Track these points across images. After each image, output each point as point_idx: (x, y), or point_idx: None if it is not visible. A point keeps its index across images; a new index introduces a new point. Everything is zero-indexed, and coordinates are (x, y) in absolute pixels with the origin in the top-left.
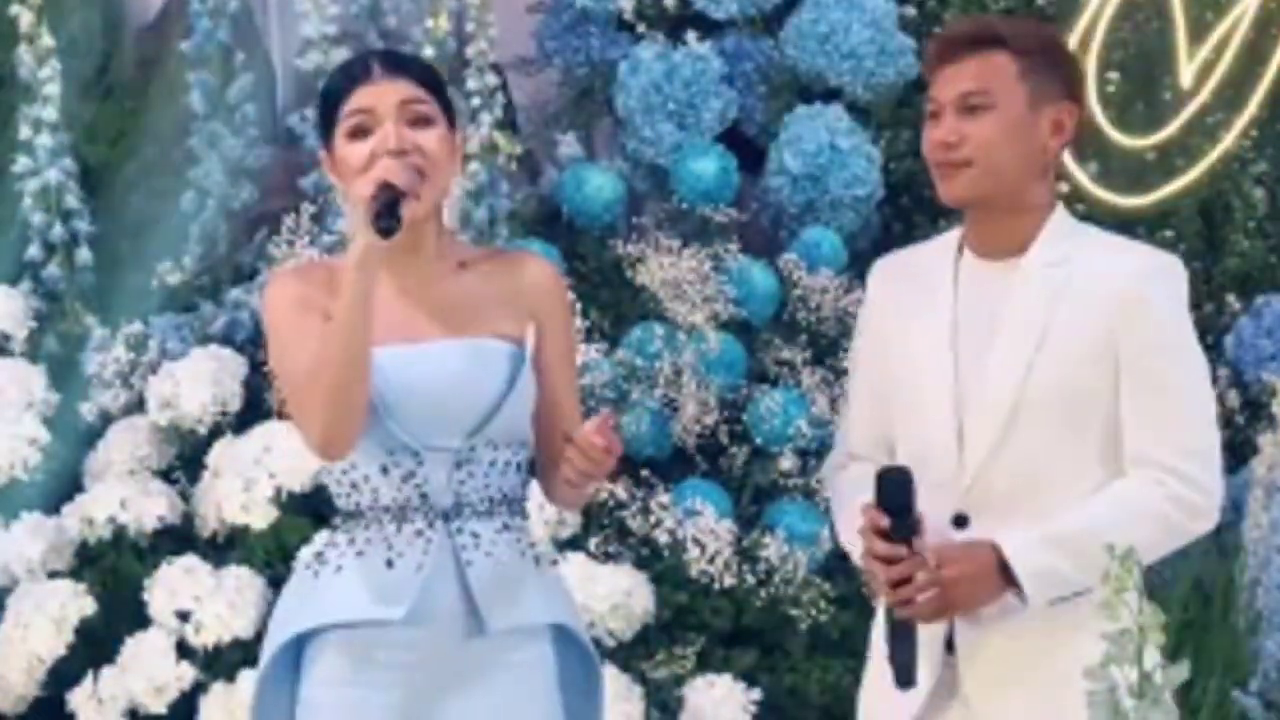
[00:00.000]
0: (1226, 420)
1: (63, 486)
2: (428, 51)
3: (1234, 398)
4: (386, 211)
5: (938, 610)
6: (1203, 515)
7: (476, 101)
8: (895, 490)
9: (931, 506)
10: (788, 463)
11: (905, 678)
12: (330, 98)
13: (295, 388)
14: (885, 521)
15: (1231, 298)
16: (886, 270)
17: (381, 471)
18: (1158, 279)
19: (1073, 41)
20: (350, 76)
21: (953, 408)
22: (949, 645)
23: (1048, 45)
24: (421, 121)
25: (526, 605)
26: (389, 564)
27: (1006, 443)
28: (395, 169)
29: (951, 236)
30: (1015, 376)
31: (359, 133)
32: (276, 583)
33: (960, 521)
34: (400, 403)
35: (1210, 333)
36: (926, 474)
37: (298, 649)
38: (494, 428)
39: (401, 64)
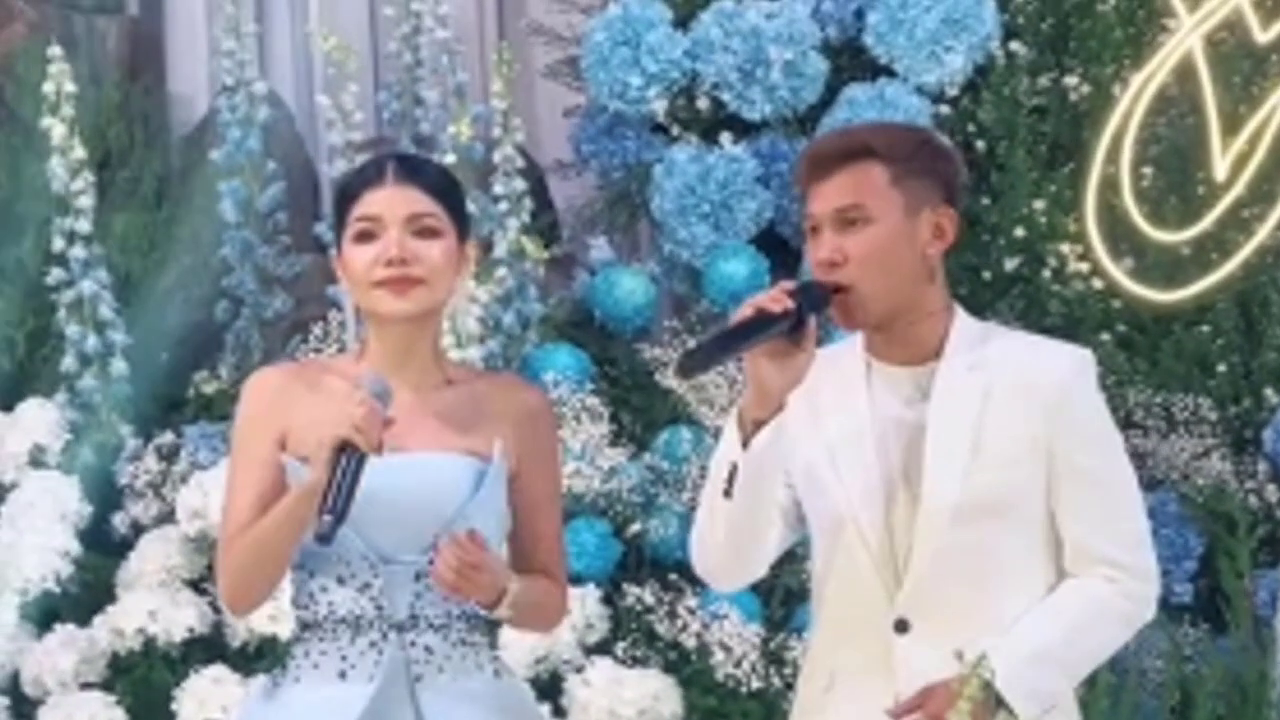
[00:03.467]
0: (1266, 514)
1: (96, 597)
2: (449, 158)
3: (1273, 492)
4: (337, 500)
5: None
6: (1151, 603)
7: (504, 206)
8: (816, 296)
9: (866, 613)
10: None
11: (696, 360)
12: (343, 198)
13: (223, 534)
14: (790, 300)
15: (1270, 391)
16: None
17: (338, 582)
18: (1080, 376)
19: (1106, 137)
20: (364, 179)
21: (883, 514)
22: None
23: (919, 150)
24: (427, 233)
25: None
26: (342, 675)
27: (948, 547)
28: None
29: (855, 341)
30: (952, 483)
31: (365, 237)
32: None
33: (901, 627)
34: (361, 514)
35: (1249, 427)
36: (857, 580)
37: None
38: None
39: (416, 171)
